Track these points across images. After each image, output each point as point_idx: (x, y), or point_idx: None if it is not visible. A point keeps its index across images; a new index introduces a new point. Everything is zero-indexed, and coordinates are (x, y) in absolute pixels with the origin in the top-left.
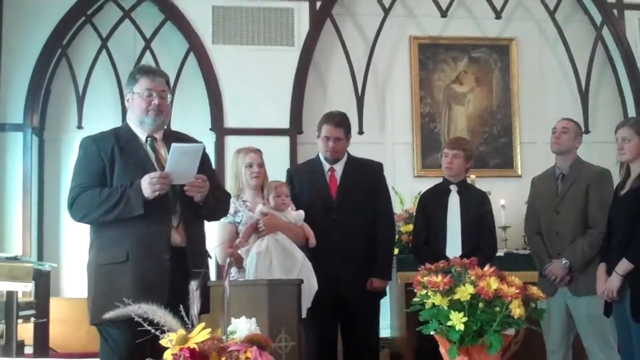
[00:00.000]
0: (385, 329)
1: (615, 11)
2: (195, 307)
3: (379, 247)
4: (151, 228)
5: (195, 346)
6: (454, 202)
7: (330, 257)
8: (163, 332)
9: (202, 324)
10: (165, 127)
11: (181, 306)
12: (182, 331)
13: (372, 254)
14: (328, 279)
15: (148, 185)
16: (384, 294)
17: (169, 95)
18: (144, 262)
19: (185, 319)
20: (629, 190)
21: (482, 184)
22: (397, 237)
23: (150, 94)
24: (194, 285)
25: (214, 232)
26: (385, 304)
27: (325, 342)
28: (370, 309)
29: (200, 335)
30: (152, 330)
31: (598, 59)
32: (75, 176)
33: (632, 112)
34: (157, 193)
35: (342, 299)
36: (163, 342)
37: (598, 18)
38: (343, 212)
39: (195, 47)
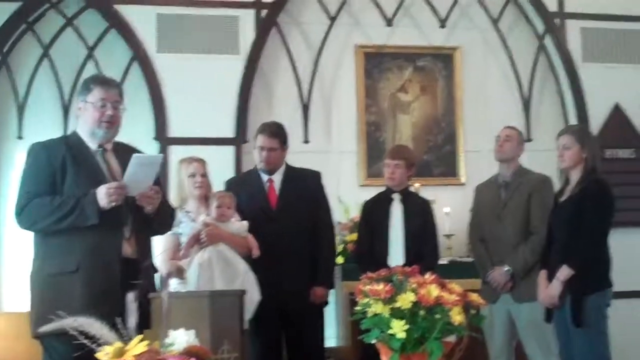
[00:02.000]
0: (331, 339)
1: (557, 20)
2: (132, 319)
3: (320, 255)
4: (103, 238)
5: (132, 359)
6: (396, 210)
7: (272, 268)
8: (100, 345)
9: (139, 337)
10: None
11: (119, 319)
12: (119, 344)
13: (314, 263)
14: (271, 290)
15: (105, 195)
16: (326, 302)
17: (122, 107)
18: (95, 273)
19: (123, 331)
20: (568, 197)
21: (427, 192)
22: (342, 246)
23: (104, 104)
24: (131, 296)
25: (156, 243)
26: (330, 313)
27: (270, 353)
28: (314, 318)
29: (137, 347)
30: (88, 344)
31: (540, 67)
32: (24, 183)
33: (573, 121)
34: (114, 203)
35: (286, 309)
36: (99, 355)
37: (540, 27)
38: (283, 222)
39: (140, 55)
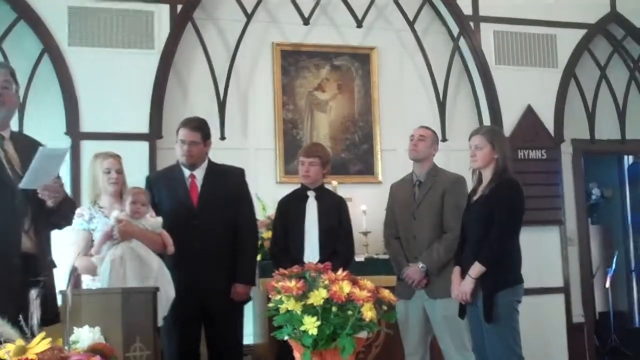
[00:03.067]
0: (248, 336)
1: (471, 23)
2: (35, 316)
3: (241, 252)
4: (1, 230)
5: (35, 357)
6: (311, 208)
7: (193, 264)
8: (0, 343)
9: (42, 334)
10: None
11: (20, 316)
12: (20, 341)
13: (236, 260)
14: (191, 286)
15: None
16: (248, 299)
17: (15, 86)
18: None
19: (25, 328)
20: (481, 196)
21: (344, 190)
22: (259, 243)
23: None
24: (33, 293)
25: (67, 239)
26: (248, 311)
27: (188, 350)
28: (234, 316)
29: (39, 345)
30: None
31: (455, 69)
32: None
33: (487, 121)
34: None
35: (206, 306)
36: None
37: (455, 29)
38: (205, 219)
39: (50, 48)
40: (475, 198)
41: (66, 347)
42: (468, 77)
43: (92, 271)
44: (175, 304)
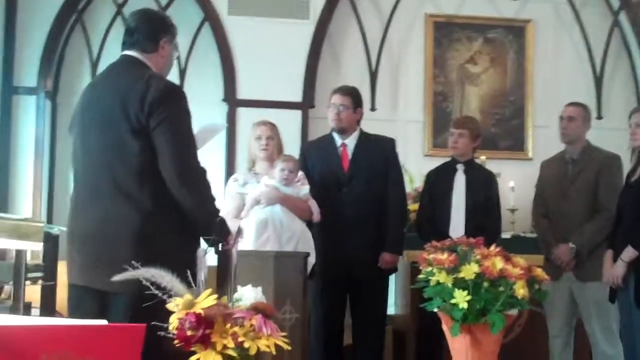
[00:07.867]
0: (390, 307)
1: None
2: (202, 272)
3: (389, 222)
4: None
5: (201, 311)
6: (459, 181)
7: (342, 232)
8: (170, 296)
9: (209, 290)
10: None
11: (188, 271)
12: (188, 296)
13: (384, 229)
14: (339, 254)
15: None
16: (394, 269)
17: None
18: None
19: (193, 284)
20: (639, 177)
21: (493, 166)
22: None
23: None
24: (201, 251)
25: (222, 203)
26: (390, 282)
27: (333, 315)
28: (380, 285)
29: (206, 300)
30: (160, 294)
31: (614, 44)
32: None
33: None
34: None
35: (353, 273)
36: (169, 306)
37: (615, 3)
38: (355, 187)
39: (211, 17)
40: (634, 179)
41: (230, 304)
42: (627, 53)
43: (240, 234)
44: (323, 272)
